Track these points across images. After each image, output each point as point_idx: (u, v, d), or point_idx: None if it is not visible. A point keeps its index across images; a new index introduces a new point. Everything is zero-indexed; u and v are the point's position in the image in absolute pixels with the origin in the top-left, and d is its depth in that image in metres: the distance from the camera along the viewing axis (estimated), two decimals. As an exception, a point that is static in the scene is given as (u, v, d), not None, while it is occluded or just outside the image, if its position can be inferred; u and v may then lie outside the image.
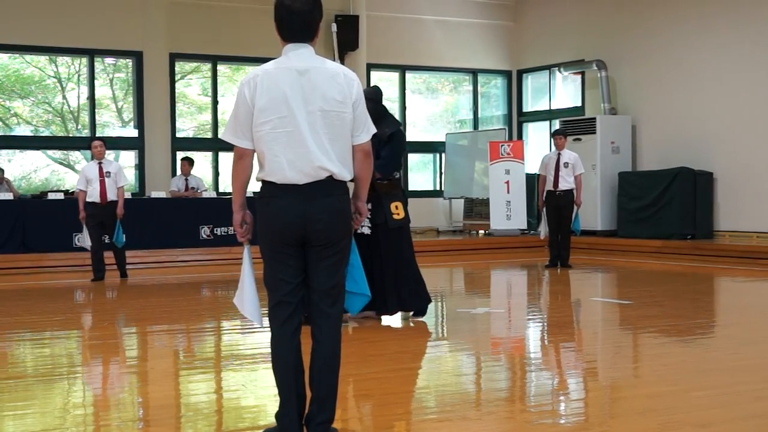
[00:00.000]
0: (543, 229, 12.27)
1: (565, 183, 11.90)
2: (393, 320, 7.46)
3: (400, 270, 7.38)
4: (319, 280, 3.79)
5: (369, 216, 7.31)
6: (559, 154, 12.01)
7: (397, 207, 7.38)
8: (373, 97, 7.31)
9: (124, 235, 11.11)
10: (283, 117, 3.70)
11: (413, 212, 18.15)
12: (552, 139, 12.42)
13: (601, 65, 16.51)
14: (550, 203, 12.00)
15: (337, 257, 3.81)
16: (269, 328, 3.84)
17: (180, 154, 15.60)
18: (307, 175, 3.70)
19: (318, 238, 3.74)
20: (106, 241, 11.25)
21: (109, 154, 11.31)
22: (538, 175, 12.35)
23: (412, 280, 7.49)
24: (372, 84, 17.00)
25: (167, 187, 14.50)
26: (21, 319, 8.10)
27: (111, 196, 10.97)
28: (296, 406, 3.79)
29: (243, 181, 3.83)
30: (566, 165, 11.90)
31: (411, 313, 7.54)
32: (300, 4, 3.74)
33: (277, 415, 3.85)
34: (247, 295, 3.93)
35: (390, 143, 7.29)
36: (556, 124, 16.93)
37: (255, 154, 3.80)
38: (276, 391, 3.82)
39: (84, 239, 11.11)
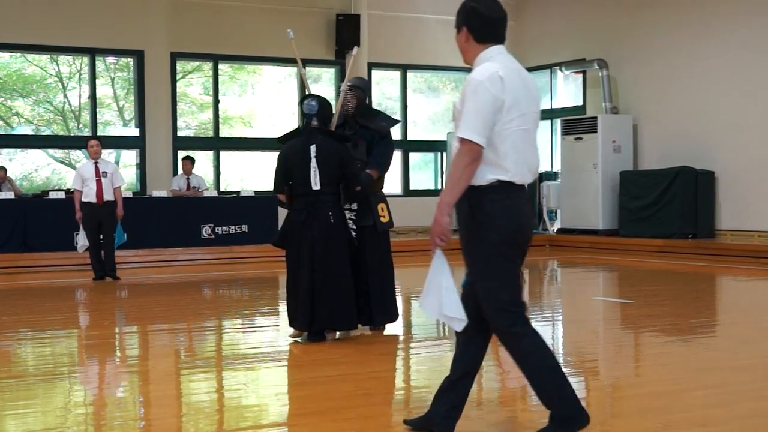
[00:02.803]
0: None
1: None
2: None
3: (387, 279, 6.77)
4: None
5: (354, 218, 6.68)
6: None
7: (383, 209, 6.78)
8: (364, 86, 6.92)
9: (125, 234, 11.10)
10: (523, 114, 3.66)
11: (415, 211, 18.24)
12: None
13: (602, 64, 16.49)
14: None
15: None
16: (520, 336, 3.79)
17: (181, 153, 15.60)
18: (534, 174, 3.72)
19: (529, 240, 3.78)
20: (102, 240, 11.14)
21: (110, 154, 11.29)
22: None
23: (392, 290, 6.87)
24: (372, 84, 17.01)
25: (168, 186, 14.50)
26: (22, 319, 8.11)
27: (107, 196, 10.89)
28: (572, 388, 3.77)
29: (467, 184, 3.60)
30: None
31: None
32: (499, 10, 3.77)
33: (564, 416, 3.74)
34: (447, 296, 3.62)
35: (385, 138, 6.88)
36: (558, 123, 16.93)
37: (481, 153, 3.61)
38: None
39: (80, 239, 11.06)
